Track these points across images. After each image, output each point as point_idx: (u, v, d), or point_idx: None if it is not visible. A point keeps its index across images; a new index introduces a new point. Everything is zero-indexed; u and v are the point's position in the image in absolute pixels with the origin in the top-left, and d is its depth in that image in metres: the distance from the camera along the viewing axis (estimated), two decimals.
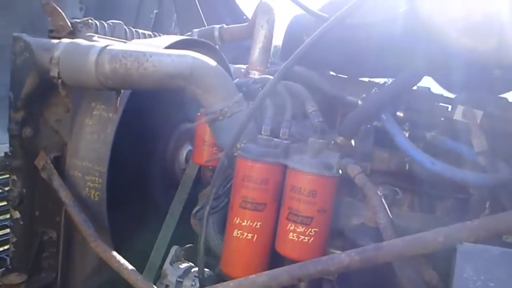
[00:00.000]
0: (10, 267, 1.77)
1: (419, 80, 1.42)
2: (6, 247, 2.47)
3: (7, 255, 2.15)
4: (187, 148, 2.15)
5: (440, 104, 1.57)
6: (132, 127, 1.72)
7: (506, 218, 0.93)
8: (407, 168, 1.58)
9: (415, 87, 1.59)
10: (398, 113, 1.54)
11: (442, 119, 1.55)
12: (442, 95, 1.60)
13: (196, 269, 1.75)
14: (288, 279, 1.20)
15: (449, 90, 1.63)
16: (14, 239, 1.75)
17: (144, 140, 1.97)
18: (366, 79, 1.72)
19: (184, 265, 1.82)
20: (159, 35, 2.14)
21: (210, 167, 1.86)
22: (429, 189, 1.58)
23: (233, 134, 1.51)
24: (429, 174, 1.47)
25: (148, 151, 2.03)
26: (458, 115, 1.48)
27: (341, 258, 1.14)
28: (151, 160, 2.05)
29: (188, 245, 1.88)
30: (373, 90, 1.60)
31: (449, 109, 1.57)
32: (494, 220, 0.95)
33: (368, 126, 1.62)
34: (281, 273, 1.21)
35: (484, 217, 1.03)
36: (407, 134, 1.55)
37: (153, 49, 1.56)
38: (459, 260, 0.64)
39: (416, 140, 1.54)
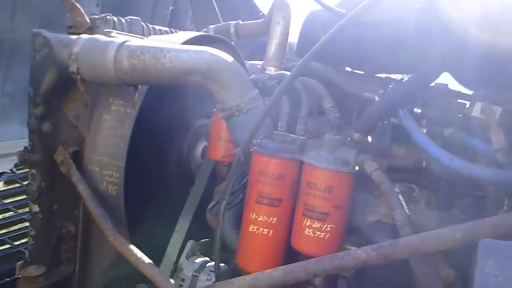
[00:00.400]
0: (29, 259, 1.80)
1: (437, 77, 1.41)
2: (24, 240, 2.51)
3: (25, 249, 2.19)
4: (202, 144, 2.16)
5: (458, 100, 1.55)
6: (149, 123, 1.74)
7: None
8: (424, 165, 1.57)
9: (432, 84, 1.58)
10: (415, 110, 1.53)
11: (460, 115, 1.53)
12: (460, 92, 1.58)
13: (212, 263, 1.77)
14: (304, 275, 1.21)
15: (467, 87, 1.61)
16: (33, 232, 1.78)
17: (161, 136, 1.98)
18: (383, 75, 1.71)
19: (199, 260, 1.83)
20: (176, 32, 2.16)
21: (226, 163, 1.87)
22: (447, 187, 1.57)
23: (249, 130, 1.52)
24: (446, 171, 1.46)
25: (164, 147, 2.04)
26: (476, 112, 1.46)
27: (358, 254, 1.14)
28: (167, 156, 2.07)
29: (203, 240, 1.89)
30: (390, 86, 1.59)
31: (467, 106, 1.55)
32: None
33: (385, 122, 1.61)
34: (297, 268, 1.22)
35: (503, 214, 1.02)
36: (424, 131, 1.54)
37: (171, 45, 1.57)
38: (481, 255, 0.64)
39: (433, 136, 1.53)
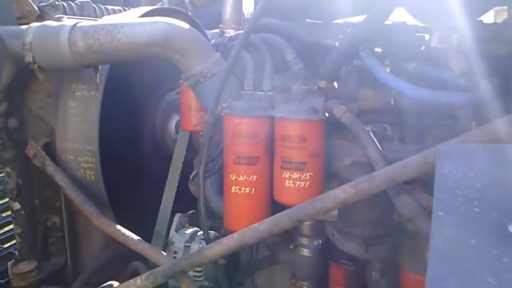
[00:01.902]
0: (19, 257, 1.80)
1: (390, 13, 1.42)
2: (13, 242, 2.50)
3: (15, 249, 2.19)
4: (175, 118, 2.16)
5: (417, 34, 1.57)
6: (117, 104, 1.72)
7: (490, 129, 0.95)
8: (392, 103, 1.59)
9: (389, 22, 1.59)
10: (376, 49, 1.54)
11: (421, 48, 1.55)
12: (416, 26, 1.60)
13: (202, 232, 1.79)
14: (289, 222, 1.23)
15: (423, 21, 1.63)
16: (19, 230, 1.77)
17: (131, 116, 1.97)
18: (341, 21, 1.71)
19: (189, 231, 1.86)
20: (129, 9, 2.12)
21: (200, 132, 1.87)
22: (417, 120, 1.60)
23: (215, 93, 1.52)
24: (414, 105, 1.48)
25: (137, 127, 2.03)
26: (435, 42, 1.48)
27: (337, 193, 1.17)
28: (141, 135, 2.06)
29: (191, 211, 1.91)
30: (349, 30, 1.59)
31: (427, 38, 1.57)
32: (480, 132, 0.97)
33: (350, 67, 1.62)
34: (282, 217, 1.24)
35: (468, 132, 1.05)
36: (388, 69, 1.56)
37: (124, 20, 1.54)
38: (439, 159, 0.67)
39: (398, 73, 1.55)
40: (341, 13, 1.70)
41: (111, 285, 1.48)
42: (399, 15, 1.73)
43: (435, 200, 0.59)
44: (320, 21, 1.78)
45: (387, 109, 1.62)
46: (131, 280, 1.43)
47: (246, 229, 1.28)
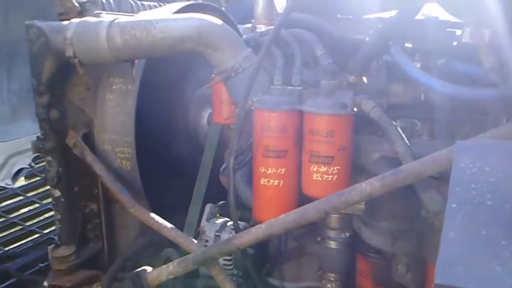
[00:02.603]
0: (58, 242, 1.89)
1: (420, 8, 1.42)
2: (52, 228, 2.62)
3: (54, 235, 2.30)
4: (207, 111, 2.21)
5: (448, 29, 1.56)
6: (152, 97, 1.79)
7: None
8: (422, 98, 1.60)
9: (422, 17, 1.59)
10: (406, 45, 1.55)
11: (451, 44, 1.55)
12: (449, 21, 1.59)
13: (232, 222, 1.84)
14: (315, 214, 1.27)
15: (456, 15, 1.62)
16: (59, 216, 1.87)
17: (165, 109, 2.03)
18: (372, 16, 1.72)
19: (220, 221, 1.91)
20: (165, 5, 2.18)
21: (231, 126, 1.91)
22: (447, 116, 1.60)
23: (245, 87, 1.56)
24: (444, 100, 1.49)
25: (170, 119, 2.10)
26: (466, 38, 1.47)
27: (363, 187, 1.19)
28: (174, 128, 2.12)
29: (221, 202, 1.96)
30: (379, 25, 1.60)
31: (458, 34, 1.56)
32: (507, 128, 0.98)
33: (380, 62, 1.63)
34: (308, 209, 1.28)
35: (496, 128, 1.05)
36: (418, 65, 1.56)
37: (160, 16, 1.60)
38: (456, 154, 0.68)
39: (428, 69, 1.55)
40: (372, 8, 1.71)
41: (145, 270, 1.55)
42: (434, 10, 1.72)
43: (450, 192, 0.61)
44: (351, 16, 1.79)
45: (417, 105, 1.62)
46: (164, 266, 1.50)
47: (274, 220, 1.33)
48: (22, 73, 3.32)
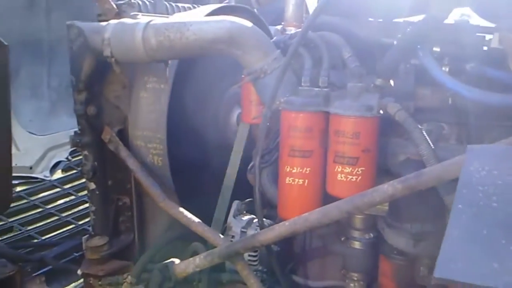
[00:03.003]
0: (92, 233, 1.99)
1: (449, 12, 1.43)
2: (87, 219, 2.73)
3: (88, 226, 2.41)
4: (237, 111, 2.26)
5: (477, 34, 1.56)
6: (184, 97, 1.86)
7: None
8: (450, 102, 1.60)
9: (452, 21, 1.60)
10: (434, 49, 1.55)
11: (480, 48, 1.55)
12: (478, 26, 1.59)
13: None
14: (338, 214, 1.30)
15: (488, 19, 1.61)
16: (93, 208, 1.96)
17: (196, 108, 2.09)
18: (401, 20, 1.73)
19: (246, 217, 1.96)
20: (198, 7, 2.24)
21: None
22: (474, 121, 1.60)
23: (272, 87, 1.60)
24: (471, 105, 1.49)
25: (201, 118, 2.16)
26: (495, 43, 1.47)
27: (385, 188, 1.22)
28: (205, 126, 2.18)
29: (248, 200, 2.01)
30: (408, 29, 1.61)
31: (488, 39, 1.56)
32: None
33: (408, 65, 1.65)
34: (331, 209, 1.31)
35: None
36: (447, 69, 1.57)
37: (193, 18, 1.66)
38: (467, 157, 0.70)
39: (457, 73, 1.55)
40: (402, 12, 1.72)
41: (173, 262, 1.61)
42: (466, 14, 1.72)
43: (457, 193, 0.64)
44: (381, 20, 1.81)
45: (444, 108, 1.63)
46: (191, 259, 1.56)
47: (297, 218, 1.37)
48: (62, 70, 3.47)
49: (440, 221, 1.45)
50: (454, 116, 1.63)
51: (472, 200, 0.61)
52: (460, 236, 0.55)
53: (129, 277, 1.71)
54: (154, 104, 1.83)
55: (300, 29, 1.84)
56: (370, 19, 1.85)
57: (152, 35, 1.60)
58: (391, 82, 1.61)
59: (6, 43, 1.61)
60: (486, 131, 1.63)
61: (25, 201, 2.72)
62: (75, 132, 1.91)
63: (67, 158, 3.24)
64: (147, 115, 1.83)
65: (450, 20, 1.66)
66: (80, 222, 2.70)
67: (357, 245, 1.69)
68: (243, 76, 1.83)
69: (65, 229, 2.64)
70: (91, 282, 1.86)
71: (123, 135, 1.89)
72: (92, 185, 1.93)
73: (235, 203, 1.99)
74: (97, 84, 1.87)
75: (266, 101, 1.69)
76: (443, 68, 1.54)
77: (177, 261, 1.63)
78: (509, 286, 0.48)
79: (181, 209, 1.69)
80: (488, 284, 0.48)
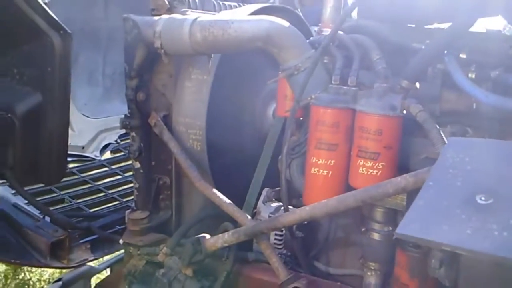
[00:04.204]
0: (135, 208, 2.18)
1: (474, 21, 1.51)
2: (130, 197, 2.95)
3: (131, 203, 2.61)
4: (272, 106, 2.40)
5: (504, 42, 1.63)
6: (224, 89, 2.01)
7: None
8: (474, 107, 1.67)
9: (484, 30, 1.67)
10: (461, 55, 1.63)
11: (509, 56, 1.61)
12: (506, 34, 1.65)
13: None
14: (353, 202, 1.42)
15: None
16: (137, 185, 2.15)
17: (235, 100, 2.25)
18: (433, 26, 1.81)
19: (275, 204, 2.09)
20: (244, 5, 2.39)
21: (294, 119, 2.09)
22: (497, 126, 1.66)
23: (308, 86, 1.73)
24: (495, 111, 1.56)
25: (239, 110, 2.31)
26: None
27: (398, 181, 1.33)
28: (242, 118, 2.34)
29: (277, 188, 2.14)
30: (436, 35, 1.70)
31: None
32: None
33: (435, 70, 1.73)
34: (348, 197, 1.43)
35: None
36: (473, 75, 1.64)
37: (236, 17, 1.81)
38: (446, 146, 0.81)
39: (482, 80, 1.62)
40: (434, 18, 1.81)
41: (204, 236, 1.77)
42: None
43: (431, 174, 0.75)
44: (413, 25, 1.90)
45: (469, 113, 1.71)
46: (220, 235, 1.72)
47: (317, 204, 1.49)
48: (117, 59, 3.71)
49: None
50: (478, 120, 1.71)
51: (441, 180, 0.72)
52: (423, 205, 0.66)
53: (165, 248, 1.88)
54: (196, 93, 1.99)
55: None
56: (404, 24, 1.95)
57: (198, 30, 1.77)
58: (417, 85, 1.70)
59: (69, 31, 1.80)
60: (508, 136, 1.70)
61: (76, 177, 2.97)
62: (125, 115, 2.10)
63: (116, 140, 3.48)
64: (190, 103, 2.00)
65: (481, 28, 1.74)
66: (124, 200, 2.92)
67: (376, 236, 1.79)
68: (279, 72, 1.97)
69: (110, 204, 2.86)
70: (130, 251, 2.05)
71: (167, 120, 2.07)
72: (137, 164, 2.12)
73: (265, 190, 2.12)
74: (147, 73, 2.06)
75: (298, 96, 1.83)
76: (470, 75, 1.62)
77: (208, 236, 1.79)
78: (452, 241, 0.59)
79: (215, 190, 1.85)
80: (435, 240, 0.59)
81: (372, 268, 1.82)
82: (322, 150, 1.68)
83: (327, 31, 2.03)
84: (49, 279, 3.93)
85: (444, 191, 0.69)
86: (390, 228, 1.78)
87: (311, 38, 1.95)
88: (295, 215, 1.53)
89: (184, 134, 2.03)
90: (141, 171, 2.13)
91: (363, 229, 1.84)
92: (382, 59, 1.65)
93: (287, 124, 1.75)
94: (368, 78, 1.79)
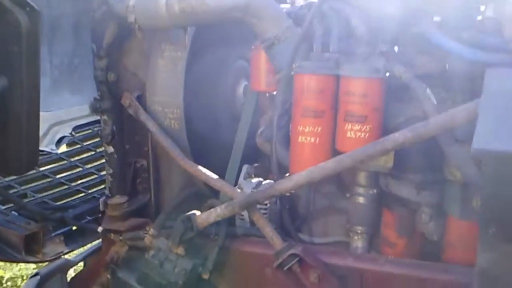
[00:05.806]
0: (109, 195, 2.10)
1: None
2: (95, 189, 2.85)
3: (98, 195, 2.52)
4: (243, 83, 2.39)
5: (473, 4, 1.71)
6: (199, 64, 1.97)
7: None
8: (447, 67, 1.75)
9: None
10: (434, 19, 1.70)
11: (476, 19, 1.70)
12: None
13: (266, 181, 2.02)
14: (351, 162, 1.45)
15: None
16: (111, 171, 2.07)
17: (209, 77, 2.21)
18: None
19: (255, 180, 2.09)
20: None
21: (267, 94, 2.09)
22: (469, 84, 1.75)
23: (288, 56, 1.73)
24: (465, 69, 1.64)
25: (213, 87, 2.27)
26: (490, 12, 1.63)
27: (396, 137, 1.37)
28: (217, 95, 2.30)
29: (256, 164, 2.14)
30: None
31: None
32: None
33: (409, 34, 1.78)
34: (345, 158, 1.46)
35: None
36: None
37: None
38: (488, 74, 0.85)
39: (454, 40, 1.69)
40: None
41: (194, 213, 1.74)
42: None
43: (482, 99, 0.78)
44: None
45: (442, 75, 1.78)
46: (212, 209, 1.69)
47: (314, 167, 1.51)
48: (63, 48, 3.53)
49: (440, 172, 1.61)
50: (450, 81, 1.79)
51: (495, 101, 0.75)
52: (491, 120, 0.69)
53: (152, 230, 1.82)
54: (171, 71, 1.94)
55: (309, 1, 1.97)
56: None
57: (175, 2, 1.72)
58: (395, 48, 1.76)
59: (37, 8, 1.69)
60: (479, 95, 1.79)
61: (34, 171, 2.81)
62: (94, 98, 2.01)
63: (70, 133, 3.33)
64: (165, 80, 1.95)
65: None
66: (90, 191, 2.81)
67: (361, 200, 1.82)
68: (253, 47, 1.96)
69: (76, 196, 2.74)
70: (112, 237, 1.97)
71: (141, 101, 2.00)
72: (111, 149, 2.04)
73: (245, 167, 2.11)
74: (117, 51, 1.98)
75: (278, 67, 1.83)
76: None
77: (198, 212, 1.75)
78: None
79: (200, 167, 1.82)
80: None
81: (359, 231, 1.85)
82: (309, 118, 1.69)
83: (299, 2, 2.05)
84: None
85: (506, 107, 0.72)
86: (375, 190, 1.83)
87: (285, 9, 1.95)
88: (292, 181, 1.54)
89: (161, 113, 1.97)
90: (115, 156, 2.05)
91: (347, 195, 1.87)
92: (362, 24, 1.68)
93: (277, 94, 1.75)
94: (346, 44, 1.82)
